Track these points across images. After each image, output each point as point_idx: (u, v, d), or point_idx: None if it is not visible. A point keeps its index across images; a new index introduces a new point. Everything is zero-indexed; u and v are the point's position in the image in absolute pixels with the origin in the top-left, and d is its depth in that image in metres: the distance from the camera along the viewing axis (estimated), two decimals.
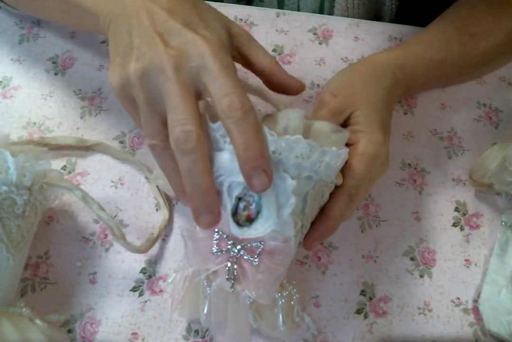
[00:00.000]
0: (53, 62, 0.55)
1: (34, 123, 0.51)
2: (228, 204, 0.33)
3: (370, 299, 0.44)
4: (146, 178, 0.48)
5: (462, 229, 0.48)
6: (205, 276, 0.35)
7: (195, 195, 0.32)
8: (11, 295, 0.38)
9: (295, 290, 0.37)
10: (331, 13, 0.62)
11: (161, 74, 0.32)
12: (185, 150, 0.31)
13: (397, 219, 0.48)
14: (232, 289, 0.34)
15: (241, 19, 0.59)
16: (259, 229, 0.32)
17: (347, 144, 0.39)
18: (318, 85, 0.55)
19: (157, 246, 0.45)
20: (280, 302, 0.36)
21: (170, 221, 0.46)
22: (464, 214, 0.49)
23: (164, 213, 0.46)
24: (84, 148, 0.49)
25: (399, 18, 0.64)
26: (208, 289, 0.35)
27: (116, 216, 0.46)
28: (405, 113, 0.54)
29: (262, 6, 0.63)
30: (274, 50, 0.57)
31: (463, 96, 0.56)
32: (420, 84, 0.52)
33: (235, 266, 0.34)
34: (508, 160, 0.43)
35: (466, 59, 0.51)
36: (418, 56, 0.49)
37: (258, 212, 0.32)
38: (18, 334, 0.36)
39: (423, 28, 0.60)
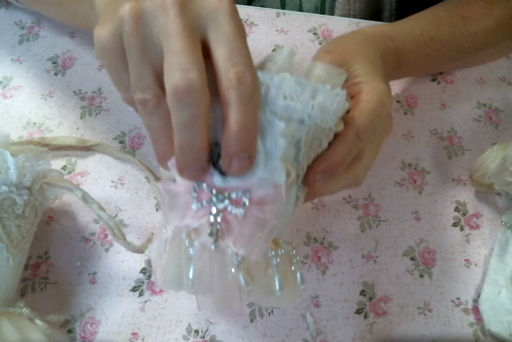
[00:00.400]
0: (53, 62, 0.55)
1: (34, 123, 0.51)
2: None
3: (370, 299, 0.44)
4: (146, 177, 0.48)
5: (462, 229, 0.48)
6: (187, 234, 0.31)
7: (187, 152, 0.29)
8: (11, 295, 0.38)
9: (294, 252, 0.33)
10: (331, 11, 0.62)
11: (163, 14, 0.28)
12: (186, 101, 0.27)
13: (397, 219, 0.48)
14: (214, 246, 0.29)
15: (241, 19, 0.59)
16: (244, 177, 0.29)
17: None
18: None
19: None
20: (275, 262, 0.31)
21: None
22: (464, 214, 0.49)
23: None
24: (84, 148, 0.49)
25: (398, 17, 0.64)
26: (190, 249, 0.30)
27: (116, 216, 0.46)
28: (405, 113, 0.54)
29: (264, 6, 0.63)
30: (274, 50, 0.57)
31: (463, 96, 0.56)
32: (411, 60, 0.50)
33: (219, 220, 0.29)
34: (508, 160, 0.43)
35: (457, 41, 0.50)
36: (408, 30, 0.49)
37: None
38: (18, 334, 0.36)
39: None
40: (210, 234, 0.29)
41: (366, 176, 0.39)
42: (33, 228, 0.41)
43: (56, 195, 0.44)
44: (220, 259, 0.30)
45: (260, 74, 0.29)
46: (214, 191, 0.30)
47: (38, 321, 0.38)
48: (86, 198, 0.40)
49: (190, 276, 0.30)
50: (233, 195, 0.29)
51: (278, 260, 0.32)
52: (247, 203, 0.29)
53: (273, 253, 0.31)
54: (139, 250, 0.42)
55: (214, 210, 0.29)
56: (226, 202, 0.29)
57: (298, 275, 0.33)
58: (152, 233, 0.45)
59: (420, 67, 0.53)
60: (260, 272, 0.31)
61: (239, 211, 0.29)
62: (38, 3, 0.53)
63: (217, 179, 0.29)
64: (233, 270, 0.30)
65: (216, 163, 0.29)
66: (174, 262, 0.31)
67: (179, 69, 0.27)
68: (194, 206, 0.30)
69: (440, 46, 0.50)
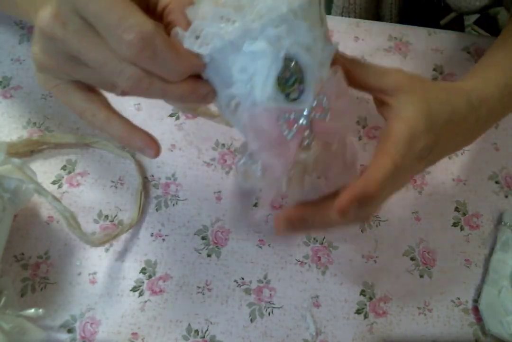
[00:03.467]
0: None
1: (34, 123, 0.51)
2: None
3: (370, 299, 0.44)
4: (146, 177, 0.48)
5: (462, 229, 0.48)
6: None
7: (175, 84, 0.30)
8: None
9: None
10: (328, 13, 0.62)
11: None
12: (147, 51, 0.27)
13: (397, 219, 0.48)
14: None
15: None
16: (313, 90, 0.31)
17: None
18: None
19: (157, 246, 0.45)
20: None
21: (138, 222, 0.46)
22: (464, 214, 0.49)
23: (134, 216, 0.46)
24: (84, 145, 0.49)
25: (400, 17, 0.64)
26: None
27: (116, 216, 0.46)
28: None
29: None
30: None
31: None
32: (499, 111, 0.43)
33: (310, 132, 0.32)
34: None
35: None
36: (492, 82, 0.42)
37: (301, 80, 0.31)
38: None
39: (424, 28, 0.61)
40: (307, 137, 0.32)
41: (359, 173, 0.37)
42: (4, 223, 0.40)
43: (24, 190, 0.43)
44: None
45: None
46: (296, 115, 0.32)
47: None
48: (39, 190, 0.40)
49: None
50: (314, 104, 0.32)
51: None
52: (327, 103, 0.32)
53: None
54: (93, 243, 0.42)
55: (305, 124, 0.32)
56: (312, 113, 0.32)
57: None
58: (153, 233, 0.45)
59: (503, 116, 0.46)
60: None
61: (325, 115, 0.32)
62: None
63: (298, 104, 0.31)
64: None
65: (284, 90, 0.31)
66: None
67: (122, 32, 0.27)
68: (288, 135, 0.32)
69: None
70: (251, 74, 0.30)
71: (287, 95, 0.31)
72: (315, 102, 0.32)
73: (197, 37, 0.30)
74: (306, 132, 0.32)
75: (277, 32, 0.29)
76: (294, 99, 0.31)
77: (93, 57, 0.29)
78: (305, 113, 0.32)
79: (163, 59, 0.28)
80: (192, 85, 0.31)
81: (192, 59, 0.30)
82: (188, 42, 0.30)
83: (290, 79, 0.30)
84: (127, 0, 0.28)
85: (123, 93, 0.31)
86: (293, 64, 0.30)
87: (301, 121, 0.32)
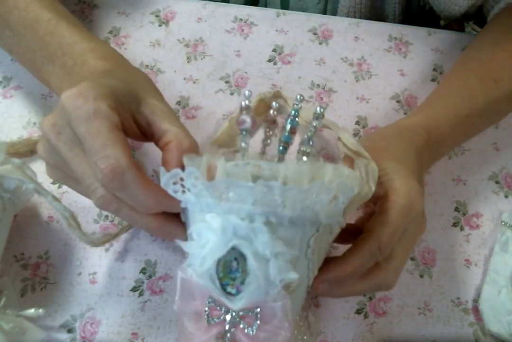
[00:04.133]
0: None
1: (34, 123, 0.51)
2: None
3: (370, 299, 0.44)
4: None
5: (462, 229, 0.48)
6: None
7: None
8: None
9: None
10: (334, 13, 0.63)
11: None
12: (115, 184, 0.30)
13: None
14: None
15: (241, 19, 0.59)
16: (255, 296, 0.30)
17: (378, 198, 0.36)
18: (318, 85, 0.55)
19: (157, 246, 0.45)
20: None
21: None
22: (464, 214, 0.49)
23: None
24: None
25: (402, 17, 0.64)
26: None
27: (116, 216, 0.46)
28: (405, 113, 0.54)
29: (267, 7, 0.63)
30: (274, 50, 0.57)
31: None
32: (450, 142, 0.48)
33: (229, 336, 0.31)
34: None
35: (493, 106, 0.48)
36: (441, 115, 0.46)
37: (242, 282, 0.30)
38: None
39: (424, 28, 0.61)
40: None
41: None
42: (4, 223, 0.40)
43: (25, 190, 0.43)
44: None
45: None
46: (224, 309, 0.31)
47: None
48: (39, 190, 0.40)
49: None
50: (242, 313, 0.31)
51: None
52: (258, 322, 0.30)
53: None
54: (93, 243, 0.42)
55: (226, 327, 0.31)
56: (238, 319, 0.31)
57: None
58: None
59: (459, 143, 0.51)
60: None
61: (250, 330, 0.30)
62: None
63: (225, 300, 0.30)
64: None
65: (224, 285, 0.30)
66: None
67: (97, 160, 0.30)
68: (207, 321, 0.31)
69: (476, 118, 0.47)
70: (204, 242, 0.30)
71: (225, 285, 0.30)
72: (244, 312, 0.30)
73: (175, 183, 0.30)
74: (226, 334, 0.31)
75: (236, 223, 0.29)
76: (230, 294, 0.30)
77: (75, 168, 0.32)
78: (233, 315, 0.31)
79: (131, 192, 0.31)
80: (161, 222, 0.33)
81: (165, 199, 0.31)
82: (164, 184, 0.31)
83: (233, 272, 0.30)
84: (115, 130, 0.30)
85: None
86: (241, 260, 0.29)
87: (225, 319, 0.31)
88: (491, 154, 0.52)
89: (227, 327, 0.31)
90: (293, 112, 0.33)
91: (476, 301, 0.44)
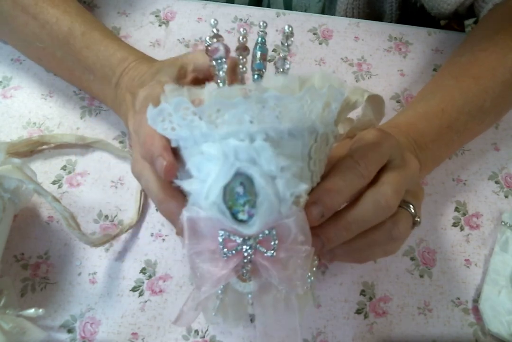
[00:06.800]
0: None
1: (34, 123, 0.51)
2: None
3: (370, 299, 0.44)
4: None
5: (462, 229, 0.48)
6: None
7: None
8: None
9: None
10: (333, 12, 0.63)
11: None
12: None
13: None
14: (250, 298, 0.31)
15: (241, 19, 0.59)
16: (262, 221, 0.29)
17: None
18: None
19: (157, 246, 0.45)
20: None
21: (138, 222, 0.46)
22: (464, 214, 0.49)
23: (133, 216, 0.46)
24: (84, 146, 0.49)
25: (400, 17, 0.64)
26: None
27: (116, 216, 0.46)
28: None
29: (271, 5, 0.63)
30: (274, 50, 0.57)
31: None
32: (432, 139, 0.45)
33: (249, 267, 0.30)
34: None
35: (475, 103, 0.47)
36: (410, 112, 0.47)
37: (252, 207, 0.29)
38: None
39: (424, 28, 0.61)
40: (244, 275, 0.31)
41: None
42: (4, 223, 0.40)
43: (25, 189, 0.43)
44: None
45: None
46: (239, 239, 0.30)
47: None
48: (39, 190, 0.40)
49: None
50: (261, 236, 0.29)
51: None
52: (276, 242, 0.29)
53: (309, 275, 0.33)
54: (93, 243, 0.42)
55: (245, 255, 0.30)
56: (255, 245, 0.30)
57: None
58: (152, 233, 0.45)
59: (450, 139, 0.48)
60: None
61: (270, 252, 0.29)
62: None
63: (242, 227, 0.29)
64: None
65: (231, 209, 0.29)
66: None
67: None
68: (224, 255, 0.30)
69: (455, 114, 0.46)
70: (206, 175, 0.29)
71: (235, 213, 0.29)
72: (261, 235, 0.29)
73: (163, 120, 0.29)
74: (246, 263, 0.30)
75: (237, 145, 0.28)
76: (241, 221, 0.29)
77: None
78: (249, 242, 0.30)
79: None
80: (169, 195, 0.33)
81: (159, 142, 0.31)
82: (152, 122, 0.30)
83: (241, 197, 0.28)
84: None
85: None
86: (248, 183, 0.28)
87: (242, 247, 0.30)
88: (491, 154, 0.52)
89: (245, 254, 0.30)
90: (259, 39, 0.34)
91: (476, 301, 0.44)
